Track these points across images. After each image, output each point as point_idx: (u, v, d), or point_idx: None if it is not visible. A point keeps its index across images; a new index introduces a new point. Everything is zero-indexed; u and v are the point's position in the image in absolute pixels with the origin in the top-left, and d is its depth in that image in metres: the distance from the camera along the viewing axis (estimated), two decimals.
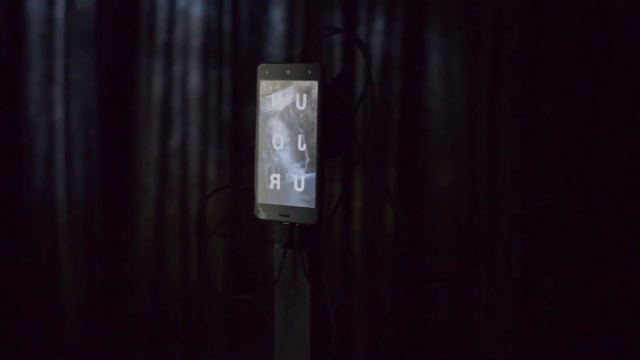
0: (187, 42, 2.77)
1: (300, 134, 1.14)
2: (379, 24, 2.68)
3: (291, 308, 1.18)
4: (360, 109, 1.19)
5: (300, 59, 1.17)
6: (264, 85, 1.17)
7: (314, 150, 1.13)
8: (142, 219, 2.81)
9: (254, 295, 1.23)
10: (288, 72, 1.15)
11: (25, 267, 2.83)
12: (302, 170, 1.14)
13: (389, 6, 2.68)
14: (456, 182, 2.69)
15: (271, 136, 1.16)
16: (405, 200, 2.67)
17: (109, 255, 2.83)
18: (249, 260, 2.77)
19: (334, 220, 1.22)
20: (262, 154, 1.17)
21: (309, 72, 1.13)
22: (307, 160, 1.14)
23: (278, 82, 1.16)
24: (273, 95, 1.16)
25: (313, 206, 1.13)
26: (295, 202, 1.15)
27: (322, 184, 1.13)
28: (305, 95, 1.14)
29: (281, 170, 1.16)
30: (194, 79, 2.78)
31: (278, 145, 1.16)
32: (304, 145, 1.14)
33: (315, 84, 1.13)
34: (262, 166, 1.17)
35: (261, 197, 1.18)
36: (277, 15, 2.73)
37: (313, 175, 1.13)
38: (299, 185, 1.14)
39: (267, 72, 1.17)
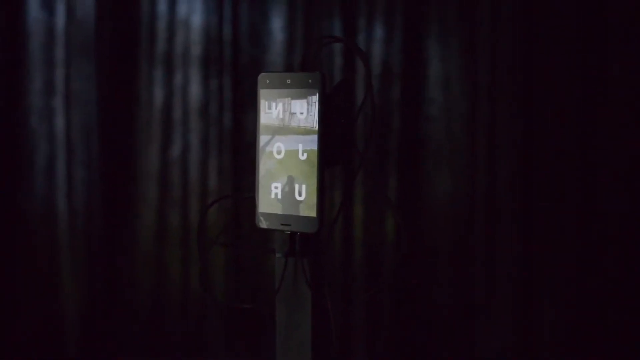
0: (188, 51, 2.77)
1: (300, 142, 1.14)
2: (379, 32, 2.68)
3: (292, 316, 1.18)
4: (361, 117, 1.19)
5: (300, 67, 1.17)
6: (264, 94, 1.17)
7: (315, 159, 1.13)
8: (143, 228, 2.81)
9: (255, 304, 1.23)
10: (288, 81, 1.15)
11: (26, 275, 2.83)
12: (303, 178, 1.14)
13: (388, 14, 2.68)
14: (455, 188, 2.69)
15: (272, 145, 1.16)
16: (405, 207, 2.67)
17: (109, 263, 2.82)
18: (250, 269, 2.77)
19: (335, 228, 1.22)
20: (262, 162, 1.17)
21: (309, 80, 1.13)
22: (308, 169, 1.14)
23: (278, 91, 1.16)
24: (274, 104, 1.16)
25: (314, 215, 1.13)
26: (296, 210, 1.15)
27: (323, 192, 1.13)
28: (305, 104, 1.14)
29: (282, 179, 1.16)
30: (195, 88, 2.78)
31: (279, 154, 1.16)
32: (305, 154, 1.14)
33: (315, 93, 1.13)
34: (263, 175, 1.17)
35: (262, 206, 1.18)
36: (277, 24, 2.73)
37: (314, 183, 1.13)
38: (300, 194, 1.15)
39: (268, 81, 1.17)
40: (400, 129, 2.70)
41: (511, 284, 2.64)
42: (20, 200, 2.82)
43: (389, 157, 2.70)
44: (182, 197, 2.79)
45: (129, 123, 2.81)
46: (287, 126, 1.15)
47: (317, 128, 1.13)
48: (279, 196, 1.16)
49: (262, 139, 1.17)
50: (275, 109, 1.16)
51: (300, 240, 1.16)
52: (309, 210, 1.14)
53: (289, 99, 1.15)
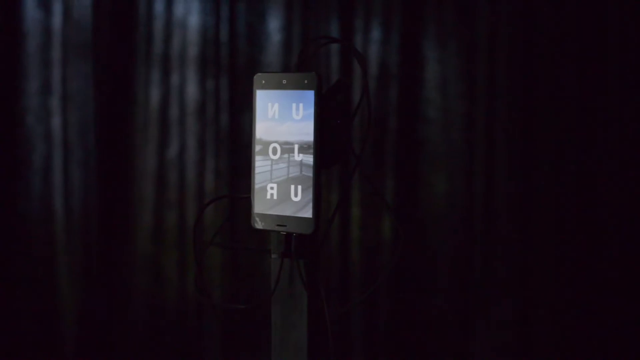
0: (185, 52, 2.77)
1: (296, 143, 1.14)
2: (376, 33, 2.68)
3: (288, 317, 1.18)
4: (357, 118, 1.19)
5: (296, 68, 1.17)
6: (260, 95, 1.17)
7: (311, 160, 1.13)
8: (140, 229, 2.81)
9: (251, 305, 1.22)
10: (284, 81, 1.15)
11: (23, 276, 2.83)
12: (299, 179, 1.14)
13: (385, 15, 2.68)
14: (453, 189, 2.69)
15: (268, 145, 1.16)
16: (402, 209, 2.67)
17: (106, 264, 2.82)
18: (247, 270, 2.76)
19: (331, 229, 1.22)
20: (258, 163, 1.17)
21: (305, 81, 1.13)
22: (304, 169, 1.13)
23: (274, 92, 1.16)
24: (269, 105, 1.16)
25: (310, 216, 1.13)
26: (292, 211, 1.14)
27: (319, 193, 1.13)
28: (301, 105, 1.14)
29: (278, 180, 1.16)
30: (191, 89, 2.77)
31: (275, 154, 1.16)
32: (301, 155, 1.14)
33: (311, 94, 1.13)
34: (259, 176, 1.17)
35: (258, 207, 1.17)
36: (273, 25, 2.73)
37: (310, 184, 1.13)
38: (296, 195, 1.14)
39: (264, 81, 1.16)
40: (397, 130, 2.70)
41: (510, 285, 2.64)
42: (17, 200, 2.81)
43: (386, 159, 2.70)
44: (178, 197, 2.79)
45: (126, 123, 2.81)
46: (283, 126, 1.15)
47: (313, 129, 1.13)
48: (275, 197, 1.16)
49: (258, 139, 1.17)
50: (271, 109, 1.16)
51: (296, 241, 1.15)
52: (305, 211, 1.13)
53: (285, 99, 1.15)
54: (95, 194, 2.80)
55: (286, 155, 1.15)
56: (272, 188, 1.16)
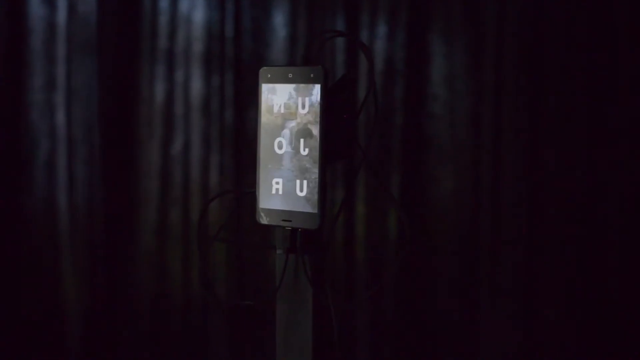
0: (190, 47, 2.76)
1: (302, 137, 1.13)
2: (382, 29, 2.67)
3: (293, 313, 1.17)
4: (363, 113, 1.18)
5: (303, 61, 1.16)
6: (266, 89, 1.16)
7: (317, 154, 1.12)
8: (144, 225, 2.81)
9: (256, 301, 1.22)
10: (290, 75, 1.14)
11: (27, 272, 2.83)
12: (304, 174, 1.13)
13: (391, 11, 2.67)
14: (459, 186, 2.68)
15: (273, 140, 1.15)
16: (408, 205, 2.66)
17: (110, 261, 2.82)
18: (251, 266, 2.76)
19: (337, 225, 1.21)
20: (264, 158, 1.16)
21: (311, 75, 1.12)
22: (310, 164, 1.12)
23: (280, 86, 1.15)
24: (275, 99, 1.15)
25: (315, 211, 1.12)
26: (297, 206, 1.14)
27: (324, 188, 1.12)
28: (307, 99, 1.13)
29: (283, 175, 1.15)
30: (196, 84, 2.77)
31: (280, 149, 1.15)
32: (307, 149, 1.13)
33: (317, 87, 1.12)
34: (264, 171, 1.16)
35: (263, 202, 1.16)
36: (279, 20, 2.72)
37: (315, 179, 1.12)
38: (301, 190, 1.13)
39: (269, 75, 1.15)
40: (403, 125, 2.69)
41: (515, 283, 2.63)
42: (21, 197, 2.81)
43: (392, 154, 2.69)
44: (183, 193, 2.79)
45: (131, 119, 2.80)
46: (289, 121, 1.14)
47: (319, 123, 1.12)
48: (280, 192, 1.15)
49: (263, 133, 1.16)
50: (277, 103, 1.15)
51: (301, 237, 1.15)
52: (311, 207, 1.12)
53: (291, 93, 1.14)
54: (99, 190, 2.80)
55: (292, 150, 1.14)
56: (277, 183, 1.15)
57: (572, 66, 2.57)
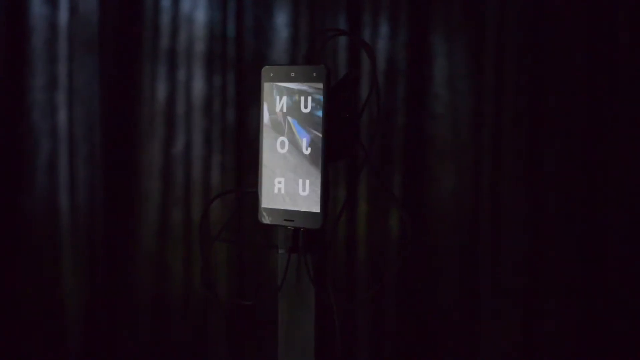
0: (191, 47, 2.76)
1: (304, 137, 1.12)
2: (384, 29, 2.67)
3: (295, 313, 1.16)
4: (366, 112, 1.17)
5: (305, 60, 1.15)
6: (268, 88, 1.15)
7: (319, 154, 1.11)
8: (145, 225, 2.80)
9: (258, 300, 1.21)
10: (292, 74, 1.13)
11: (28, 273, 2.82)
12: (307, 173, 1.13)
13: (393, 10, 2.67)
14: (461, 186, 2.67)
15: (275, 139, 1.15)
16: (410, 204, 2.66)
17: (111, 260, 2.81)
18: (253, 266, 2.76)
19: (339, 224, 1.20)
20: (266, 157, 1.16)
21: (314, 74, 1.12)
22: (312, 163, 1.12)
23: (282, 84, 1.14)
24: (277, 97, 1.15)
25: (318, 210, 1.12)
26: (299, 206, 1.13)
27: (326, 187, 1.12)
28: (309, 98, 1.12)
29: (285, 174, 1.14)
30: (198, 84, 2.76)
31: (282, 148, 1.14)
32: (309, 149, 1.12)
33: (320, 86, 1.11)
34: (266, 170, 1.16)
35: (265, 202, 1.16)
36: (281, 20, 2.71)
37: (318, 178, 1.12)
38: (304, 189, 1.13)
39: (272, 74, 1.15)
40: (405, 125, 2.68)
41: (516, 283, 2.62)
42: (22, 196, 2.81)
43: (394, 154, 2.69)
44: (185, 193, 2.78)
45: (132, 119, 2.80)
46: (291, 120, 1.13)
47: (321, 122, 1.11)
48: (282, 191, 1.15)
49: (265, 132, 1.15)
50: (279, 102, 1.14)
51: (304, 236, 1.14)
52: (313, 206, 1.12)
53: (293, 92, 1.13)
54: (100, 190, 2.79)
55: (294, 149, 1.13)
56: (279, 182, 1.15)
57: (572, 66, 2.56)
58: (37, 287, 2.82)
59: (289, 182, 1.14)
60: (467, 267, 2.66)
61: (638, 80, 2.54)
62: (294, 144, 1.13)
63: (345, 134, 1.14)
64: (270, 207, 1.16)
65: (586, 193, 2.58)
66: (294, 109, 1.13)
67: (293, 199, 1.14)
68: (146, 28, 2.77)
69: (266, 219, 1.16)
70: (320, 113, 1.11)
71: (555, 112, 2.58)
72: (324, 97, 1.11)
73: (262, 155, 1.16)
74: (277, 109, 1.15)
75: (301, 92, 1.13)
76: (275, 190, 1.15)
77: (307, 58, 1.16)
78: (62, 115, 2.78)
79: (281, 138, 1.14)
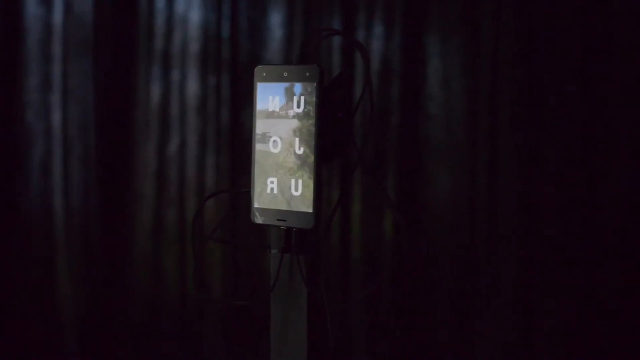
0: (186, 48, 2.76)
1: (297, 136, 1.12)
2: (378, 29, 2.67)
3: (288, 314, 1.16)
4: (359, 112, 1.17)
5: (298, 60, 1.15)
6: (261, 87, 1.15)
7: (312, 153, 1.11)
8: (140, 226, 2.80)
9: (251, 301, 1.21)
10: (285, 74, 1.13)
11: (22, 274, 2.82)
12: (299, 173, 1.12)
13: (387, 11, 2.67)
14: (456, 186, 2.67)
15: (268, 139, 1.15)
16: (404, 205, 2.66)
17: (106, 261, 2.81)
18: (247, 266, 2.75)
19: (332, 224, 1.20)
20: (259, 157, 1.15)
21: (307, 73, 1.11)
22: (305, 163, 1.12)
23: (275, 84, 1.14)
24: (270, 97, 1.14)
25: (310, 210, 1.11)
26: (292, 206, 1.13)
27: (319, 187, 1.12)
28: (302, 97, 1.12)
29: (278, 174, 1.14)
30: (192, 85, 2.76)
31: (275, 148, 1.14)
32: (302, 149, 1.12)
33: (313, 86, 1.11)
34: (259, 170, 1.16)
35: (258, 201, 1.16)
36: (275, 21, 2.71)
37: (310, 178, 1.12)
38: (296, 189, 1.13)
39: (264, 73, 1.15)
40: (399, 126, 2.68)
41: (512, 284, 2.62)
42: (16, 197, 2.80)
43: (388, 155, 2.69)
44: (179, 194, 2.78)
45: (127, 120, 2.80)
46: (284, 120, 1.13)
47: (314, 122, 1.11)
48: (275, 191, 1.14)
49: (258, 132, 1.15)
50: (272, 102, 1.14)
51: (296, 236, 1.14)
52: (305, 206, 1.12)
53: (286, 92, 1.13)
54: (95, 191, 2.79)
55: (287, 149, 1.13)
56: (272, 182, 1.15)
57: (569, 65, 2.56)
58: (32, 288, 2.82)
59: (281, 182, 1.14)
60: (463, 267, 2.66)
61: (635, 80, 2.54)
62: (287, 144, 1.13)
63: (338, 134, 1.14)
64: (262, 207, 1.15)
65: (583, 193, 2.58)
66: (287, 108, 1.13)
67: (286, 199, 1.14)
68: (141, 29, 2.77)
69: (259, 219, 1.16)
70: (313, 112, 1.11)
71: (551, 112, 2.58)
72: (317, 97, 1.11)
73: (254, 155, 1.16)
74: (270, 109, 1.15)
75: (294, 92, 1.13)
76: (268, 190, 1.15)
77: (300, 58, 1.15)
78: (56, 116, 2.78)
79: (274, 138, 1.14)
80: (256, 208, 1.16)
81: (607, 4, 2.54)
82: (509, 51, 2.61)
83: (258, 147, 1.15)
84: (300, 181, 1.12)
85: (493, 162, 2.63)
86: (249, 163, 1.17)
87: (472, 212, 2.65)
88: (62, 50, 2.77)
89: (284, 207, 1.14)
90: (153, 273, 2.81)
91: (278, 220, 1.14)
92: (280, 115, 1.14)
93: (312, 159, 1.11)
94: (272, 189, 1.15)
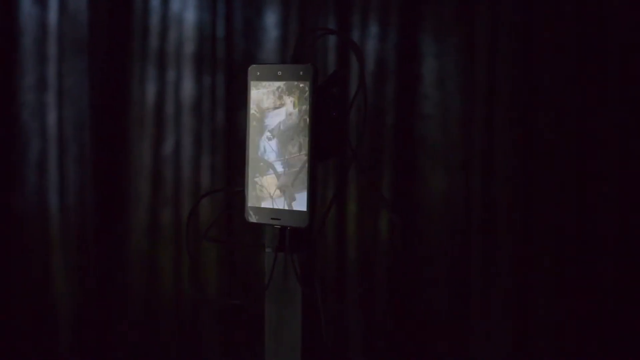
0: (181, 48, 2.76)
1: (291, 135, 1.12)
2: (373, 29, 2.67)
3: (282, 313, 1.16)
4: (354, 112, 1.17)
5: (292, 59, 1.15)
6: (255, 86, 1.15)
7: (306, 152, 1.11)
8: (135, 225, 2.80)
9: (245, 300, 1.21)
10: (279, 73, 1.13)
11: (18, 273, 2.82)
12: (294, 172, 1.12)
13: (382, 11, 2.67)
14: (451, 186, 2.68)
15: (262, 138, 1.15)
16: (399, 205, 2.66)
17: (101, 261, 2.81)
18: (243, 265, 2.75)
19: (327, 223, 1.20)
20: (253, 156, 1.15)
21: (301, 73, 1.11)
22: (299, 162, 1.12)
23: (269, 83, 1.14)
24: (264, 97, 1.14)
25: (304, 209, 1.11)
26: (286, 205, 1.13)
27: (313, 186, 1.12)
28: (296, 97, 1.12)
29: (272, 172, 1.14)
30: (187, 85, 2.76)
31: (269, 147, 1.14)
32: (296, 147, 1.12)
33: (307, 85, 1.11)
34: (253, 169, 1.16)
35: (252, 200, 1.16)
36: (270, 21, 2.71)
37: (305, 177, 1.12)
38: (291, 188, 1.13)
39: (258, 73, 1.15)
40: (394, 126, 2.68)
41: (508, 284, 2.62)
42: (11, 197, 2.80)
43: (383, 155, 2.69)
44: (174, 194, 2.78)
45: (122, 119, 2.80)
46: (278, 118, 1.13)
47: (308, 121, 1.11)
48: (269, 190, 1.14)
49: (252, 131, 1.15)
50: (266, 101, 1.14)
51: (291, 235, 1.14)
52: (300, 205, 1.12)
53: (280, 91, 1.13)
54: (90, 190, 2.79)
55: (281, 148, 1.13)
56: (266, 181, 1.15)
57: (565, 65, 2.56)
58: (26, 287, 2.81)
59: (275, 181, 1.14)
60: (459, 267, 2.66)
61: (633, 80, 2.54)
62: (281, 143, 1.13)
63: (332, 133, 1.14)
64: (257, 205, 1.16)
65: (580, 192, 2.58)
66: (281, 107, 1.13)
67: (280, 198, 1.14)
68: (136, 28, 2.77)
69: (253, 218, 1.16)
70: (307, 111, 1.11)
71: (546, 112, 2.58)
72: (310, 96, 1.11)
73: (249, 154, 1.16)
74: (264, 108, 1.15)
75: (288, 91, 1.13)
76: (262, 189, 1.15)
77: (294, 57, 1.15)
78: (51, 116, 2.78)
79: (268, 136, 1.14)
80: (250, 207, 1.16)
81: (605, 2, 2.54)
82: (504, 50, 2.61)
83: (252, 145, 1.15)
84: (294, 180, 1.13)
85: (488, 161, 2.63)
86: (244, 162, 1.17)
87: (468, 211, 2.65)
88: (57, 50, 2.77)
89: (278, 206, 1.14)
90: (148, 272, 2.81)
91: (272, 219, 1.14)
92: (274, 114, 1.14)
93: (306, 157, 1.11)
94: (266, 188, 1.15)
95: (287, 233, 1.14)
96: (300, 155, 1.12)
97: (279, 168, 1.13)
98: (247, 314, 2.66)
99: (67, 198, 2.79)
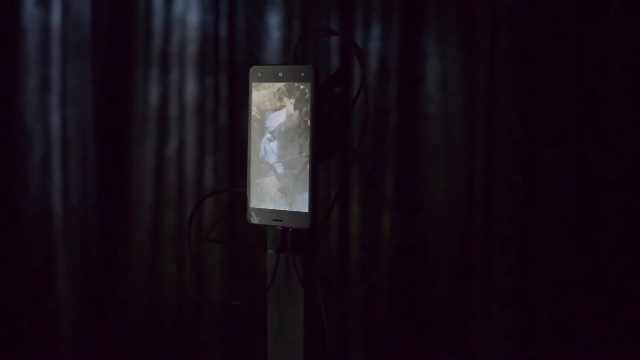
0: (184, 49, 2.76)
1: (293, 136, 1.12)
2: (376, 30, 2.67)
3: (284, 314, 1.16)
4: (356, 111, 1.17)
5: (294, 60, 1.15)
6: (256, 87, 1.15)
7: (307, 153, 1.11)
8: (138, 226, 2.80)
9: (247, 301, 1.21)
10: (281, 74, 1.13)
11: (21, 274, 2.82)
12: (294, 173, 1.12)
13: (385, 11, 2.67)
14: (453, 187, 2.68)
15: (264, 139, 1.15)
16: (401, 205, 2.66)
17: (104, 262, 2.81)
18: (245, 266, 2.76)
19: (329, 224, 1.20)
20: (254, 157, 1.15)
21: (302, 73, 1.11)
22: (301, 162, 1.12)
23: (271, 84, 1.14)
24: (266, 98, 1.15)
25: (306, 210, 1.11)
26: (288, 206, 1.13)
27: (315, 187, 1.12)
28: (298, 97, 1.12)
29: (274, 174, 1.14)
30: (190, 86, 2.76)
31: (271, 148, 1.14)
32: (297, 148, 1.12)
33: (308, 86, 1.11)
34: (255, 169, 1.16)
35: (254, 202, 1.16)
36: (273, 22, 2.71)
37: (306, 178, 1.12)
38: (292, 189, 1.13)
39: (260, 74, 1.15)
40: (397, 126, 2.68)
41: (510, 284, 2.62)
42: (15, 198, 2.80)
43: (386, 155, 2.69)
44: (177, 195, 2.78)
45: (125, 121, 2.80)
46: (279, 119, 1.13)
47: (309, 121, 1.11)
48: (271, 191, 1.14)
49: (254, 132, 1.15)
50: (268, 102, 1.14)
51: (292, 236, 1.14)
52: (301, 206, 1.12)
53: (280, 92, 1.13)
54: (93, 192, 2.79)
55: (282, 149, 1.13)
56: (268, 182, 1.15)
57: (565, 66, 2.56)
58: (29, 289, 2.82)
59: (277, 182, 1.14)
60: (460, 267, 2.66)
61: (632, 80, 2.54)
62: (283, 144, 1.13)
63: (334, 134, 1.14)
64: (258, 207, 1.15)
65: (581, 193, 2.58)
66: (282, 108, 1.13)
67: (282, 199, 1.14)
68: (139, 30, 2.77)
69: (254, 219, 1.16)
70: (308, 112, 1.11)
71: (547, 113, 2.58)
72: (312, 97, 1.11)
73: (250, 155, 1.16)
74: (266, 109, 1.15)
75: (288, 93, 1.13)
76: (264, 190, 1.15)
77: (295, 58, 1.16)
78: (55, 117, 2.78)
79: (269, 137, 1.14)
80: (252, 208, 1.16)
81: (605, 2, 2.54)
82: (506, 51, 2.61)
83: (254, 146, 1.16)
84: (296, 181, 1.13)
85: (490, 162, 2.63)
86: (246, 162, 1.17)
87: (470, 212, 2.65)
88: (60, 52, 2.78)
89: (280, 207, 1.14)
90: (151, 273, 2.82)
91: (274, 220, 1.14)
92: (275, 115, 1.14)
93: (308, 158, 1.11)
94: (268, 189, 1.15)
95: (289, 234, 1.14)
96: (301, 157, 1.12)
97: (280, 170, 1.13)
98: (249, 315, 2.66)
99: (71, 199, 2.79)
